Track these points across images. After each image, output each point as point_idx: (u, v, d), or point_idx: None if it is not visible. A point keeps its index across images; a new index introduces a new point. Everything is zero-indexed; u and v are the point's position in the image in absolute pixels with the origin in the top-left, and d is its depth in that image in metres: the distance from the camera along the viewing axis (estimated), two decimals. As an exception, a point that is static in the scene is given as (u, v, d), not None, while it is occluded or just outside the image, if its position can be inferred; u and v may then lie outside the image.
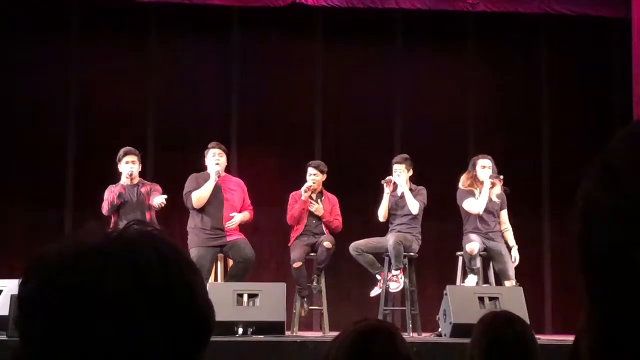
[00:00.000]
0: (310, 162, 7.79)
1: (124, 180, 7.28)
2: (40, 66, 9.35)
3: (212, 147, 7.44)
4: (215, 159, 7.35)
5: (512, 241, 7.61)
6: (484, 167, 7.54)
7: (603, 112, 9.79)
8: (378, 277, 7.52)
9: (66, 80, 9.36)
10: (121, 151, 7.35)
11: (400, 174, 7.63)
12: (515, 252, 7.55)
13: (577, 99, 9.90)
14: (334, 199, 7.79)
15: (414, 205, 7.54)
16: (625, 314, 0.66)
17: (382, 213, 7.69)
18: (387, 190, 7.63)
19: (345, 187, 8.49)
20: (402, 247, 7.36)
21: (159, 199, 7.09)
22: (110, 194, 7.20)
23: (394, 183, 7.61)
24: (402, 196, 7.63)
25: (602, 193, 0.68)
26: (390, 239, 7.39)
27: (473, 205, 7.48)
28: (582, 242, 0.70)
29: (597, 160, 0.71)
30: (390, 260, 7.44)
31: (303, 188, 7.55)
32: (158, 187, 7.31)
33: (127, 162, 7.28)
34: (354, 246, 7.49)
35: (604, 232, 0.68)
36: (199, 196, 7.23)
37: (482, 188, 7.49)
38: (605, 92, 9.90)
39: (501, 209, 7.63)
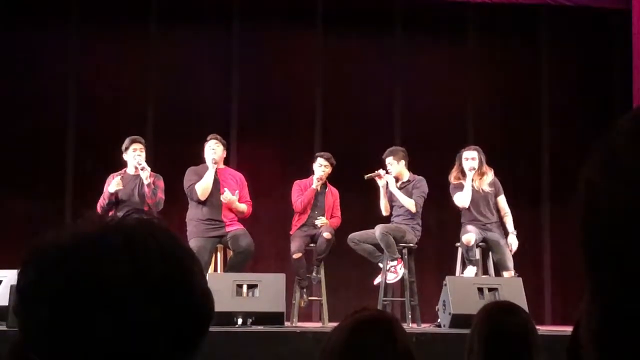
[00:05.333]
0: (320, 153, 7.77)
1: (130, 169, 7.24)
2: (39, 56, 9.33)
3: (210, 139, 7.45)
4: (212, 149, 7.36)
5: (511, 227, 7.56)
6: (467, 159, 7.54)
7: (603, 103, 9.78)
8: (380, 265, 7.51)
9: (65, 70, 9.35)
10: (127, 140, 7.28)
11: (391, 167, 7.63)
12: (512, 239, 7.51)
13: (577, 90, 9.90)
14: (336, 193, 7.80)
15: (409, 204, 7.53)
16: (628, 299, 0.66)
17: (383, 207, 7.66)
18: (380, 183, 7.60)
19: (344, 178, 8.48)
20: (391, 237, 7.34)
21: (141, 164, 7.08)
22: (106, 189, 7.15)
23: (384, 173, 7.58)
24: (400, 188, 7.63)
25: (604, 178, 0.68)
26: (376, 231, 7.39)
27: (459, 199, 7.49)
28: (585, 227, 0.70)
29: (599, 145, 0.71)
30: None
31: (316, 177, 7.55)
32: (161, 181, 7.27)
33: (134, 150, 7.23)
34: (351, 238, 7.50)
35: (607, 217, 0.67)
36: (202, 187, 7.24)
37: (466, 181, 7.49)
38: (605, 83, 9.89)
39: (497, 195, 7.60)
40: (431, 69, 9.88)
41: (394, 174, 7.65)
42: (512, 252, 7.49)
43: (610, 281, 0.68)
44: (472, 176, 7.46)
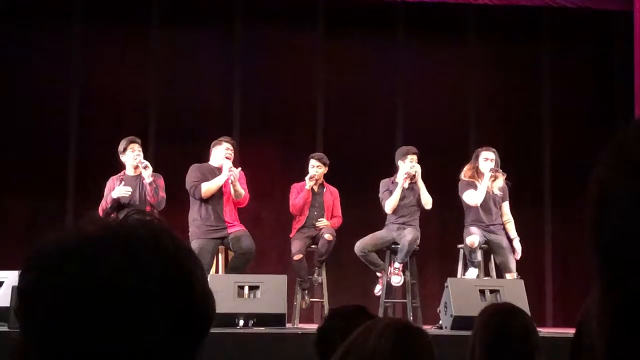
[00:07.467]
0: (312, 155, 7.79)
1: (130, 170, 7.23)
2: (40, 57, 9.33)
3: (226, 141, 7.42)
4: (228, 153, 7.34)
5: (513, 233, 7.58)
6: (487, 159, 7.52)
7: (605, 103, 9.78)
8: (379, 274, 7.53)
9: (67, 71, 9.35)
10: (125, 141, 7.23)
11: (417, 165, 7.56)
12: (517, 244, 7.53)
13: (579, 90, 9.89)
14: (335, 192, 7.79)
15: (428, 200, 7.52)
16: None
17: (391, 205, 7.57)
18: (405, 183, 7.55)
19: (346, 179, 8.48)
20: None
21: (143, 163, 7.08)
22: (108, 192, 7.15)
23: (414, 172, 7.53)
24: (409, 188, 7.58)
25: (618, 178, 0.68)
26: (408, 235, 7.34)
27: (472, 197, 7.47)
28: (597, 227, 0.70)
29: (612, 144, 0.71)
30: (392, 253, 7.46)
31: (307, 177, 7.56)
32: (161, 179, 7.27)
33: (133, 151, 7.19)
34: (361, 247, 7.44)
35: (621, 217, 0.67)
36: (209, 187, 7.22)
37: (482, 180, 7.47)
38: (607, 84, 9.89)
39: (503, 200, 7.62)
40: (433, 70, 9.87)
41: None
42: (518, 258, 7.48)
43: (626, 280, 0.67)
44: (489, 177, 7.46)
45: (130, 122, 9.09)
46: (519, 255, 7.50)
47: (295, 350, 5.66)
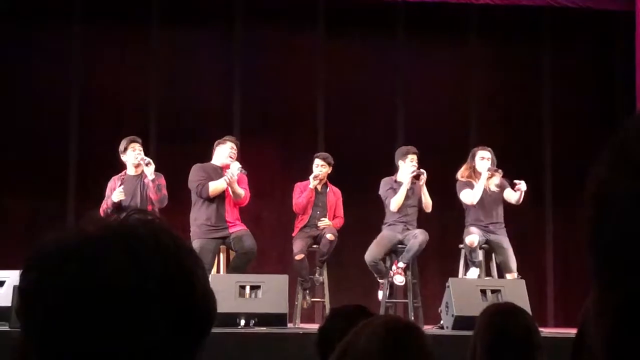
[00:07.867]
0: (317, 154, 7.80)
1: (131, 170, 7.23)
2: (41, 56, 9.33)
3: (230, 141, 7.43)
4: (232, 152, 7.35)
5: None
6: (483, 158, 7.53)
7: (606, 105, 9.78)
8: (381, 280, 7.52)
9: (67, 71, 9.35)
10: (125, 140, 7.23)
11: (423, 171, 7.55)
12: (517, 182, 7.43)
13: (579, 91, 9.89)
14: (338, 192, 7.79)
15: (429, 204, 7.52)
16: None
17: (396, 204, 7.53)
18: (410, 183, 7.54)
19: (346, 179, 8.47)
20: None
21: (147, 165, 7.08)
22: (108, 194, 7.15)
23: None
24: (410, 188, 7.57)
25: (618, 177, 0.68)
26: (420, 236, 7.32)
27: (468, 195, 7.47)
28: (597, 227, 0.70)
29: (612, 144, 0.71)
30: (393, 253, 7.45)
31: (311, 176, 7.56)
32: (162, 178, 7.27)
33: (133, 150, 7.20)
34: (372, 257, 7.39)
35: (622, 217, 0.67)
36: (216, 187, 7.22)
37: (479, 179, 7.48)
38: (608, 84, 9.88)
39: (503, 190, 7.58)
40: (433, 70, 9.87)
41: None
42: (523, 192, 7.40)
43: (626, 281, 0.67)
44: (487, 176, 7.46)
45: (130, 122, 9.09)
46: (523, 189, 7.38)
47: (297, 350, 5.66)
